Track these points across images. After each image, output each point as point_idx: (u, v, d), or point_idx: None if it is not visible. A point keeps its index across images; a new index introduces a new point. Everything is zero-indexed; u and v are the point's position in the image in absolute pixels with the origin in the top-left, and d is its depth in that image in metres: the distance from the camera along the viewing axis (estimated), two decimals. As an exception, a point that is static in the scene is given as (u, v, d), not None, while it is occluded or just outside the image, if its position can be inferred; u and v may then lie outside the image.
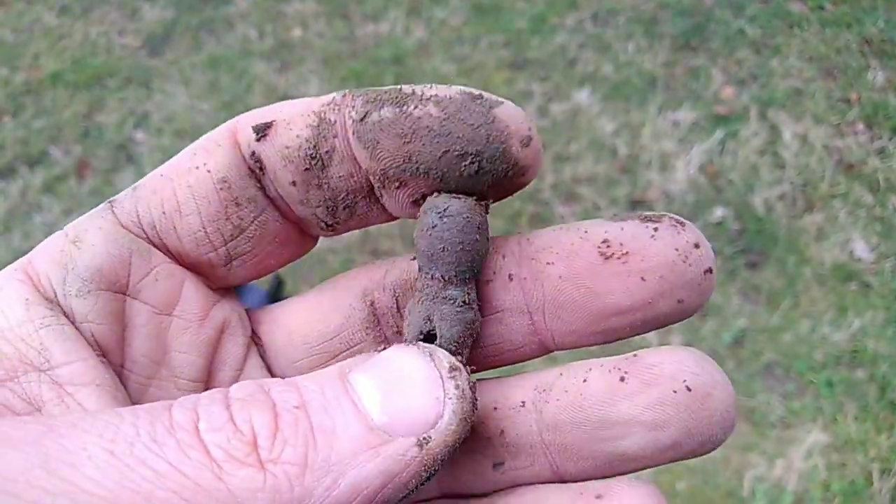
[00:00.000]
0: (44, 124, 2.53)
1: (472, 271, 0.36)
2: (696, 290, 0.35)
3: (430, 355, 0.32)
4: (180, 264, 0.39)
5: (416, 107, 0.34)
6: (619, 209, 2.28)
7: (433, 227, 0.34)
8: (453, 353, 0.35)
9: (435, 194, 0.35)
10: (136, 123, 2.54)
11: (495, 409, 0.38)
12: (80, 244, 0.36)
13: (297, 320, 0.41)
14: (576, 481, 0.37)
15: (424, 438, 0.30)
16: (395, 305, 0.40)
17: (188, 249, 0.38)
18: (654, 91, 2.51)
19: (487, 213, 0.37)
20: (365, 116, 0.35)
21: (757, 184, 2.30)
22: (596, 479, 0.36)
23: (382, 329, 0.40)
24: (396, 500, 0.31)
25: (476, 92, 0.34)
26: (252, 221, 0.37)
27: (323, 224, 0.38)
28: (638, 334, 0.37)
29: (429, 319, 0.36)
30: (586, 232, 0.36)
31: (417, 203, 0.36)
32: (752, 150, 2.37)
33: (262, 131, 0.36)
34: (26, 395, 0.33)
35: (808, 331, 2.06)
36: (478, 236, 0.35)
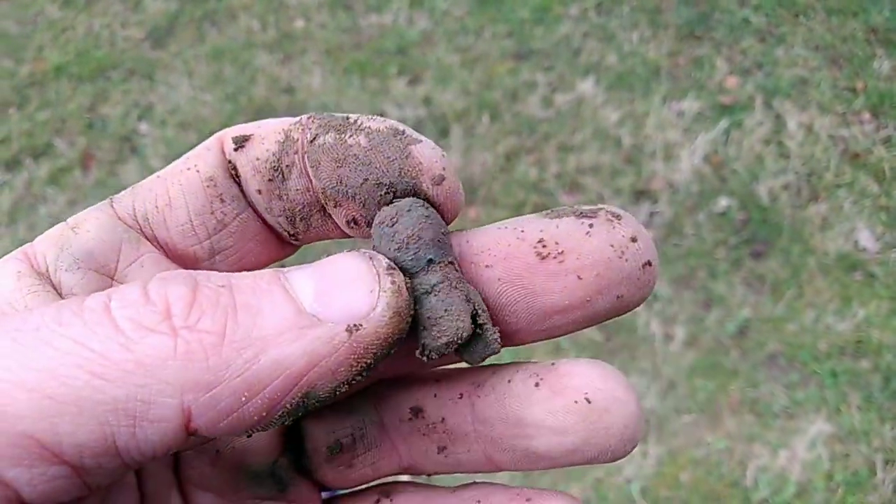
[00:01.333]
0: (48, 116, 2.53)
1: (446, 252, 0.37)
2: (635, 285, 0.36)
3: (371, 258, 0.33)
4: (168, 257, 0.41)
5: (350, 135, 0.36)
6: (623, 199, 2.28)
7: (412, 224, 0.36)
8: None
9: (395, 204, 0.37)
10: (140, 115, 2.54)
11: (435, 396, 0.40)
12: (77, 230, 0.38)
13: None
14: (506, 470, 0.39)
15: (355, 325, 0.30)
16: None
17: (176, 241, 0.39)
18: (659, 81, 2.50)
19: None
20: (315, 139, 0.37)
21: (762, 173, 2.30)
22: (520, 470, 0.39)
23: None
24: (325, 389, 0.30)
25: (401, 128, 0.36)
26: (234, 217, 0.39)
27: (286, 233, 0.40)
28: (583, 328, 0.37)
29: (468, 300, 0.36)
30: (523, 231, 0.37)
31: (350, 224, 0.38)
32: (757, 140, 2.36)
33: (240, 143, 0.38)
34: None
35: (812, 321, 2.05)
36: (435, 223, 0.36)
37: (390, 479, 0.43)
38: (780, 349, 2.02)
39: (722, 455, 1.88)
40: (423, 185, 0.36)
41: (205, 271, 0.32)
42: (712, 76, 2.50)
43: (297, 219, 0.39)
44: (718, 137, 2.37)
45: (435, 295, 0.35)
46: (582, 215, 0.36)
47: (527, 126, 2.43)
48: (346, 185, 0.36)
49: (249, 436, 0.31)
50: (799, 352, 2.01)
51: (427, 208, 0.36)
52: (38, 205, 2.36)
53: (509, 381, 0.38)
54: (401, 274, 0.33)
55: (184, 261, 0.41)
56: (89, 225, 0.38)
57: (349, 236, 0.40)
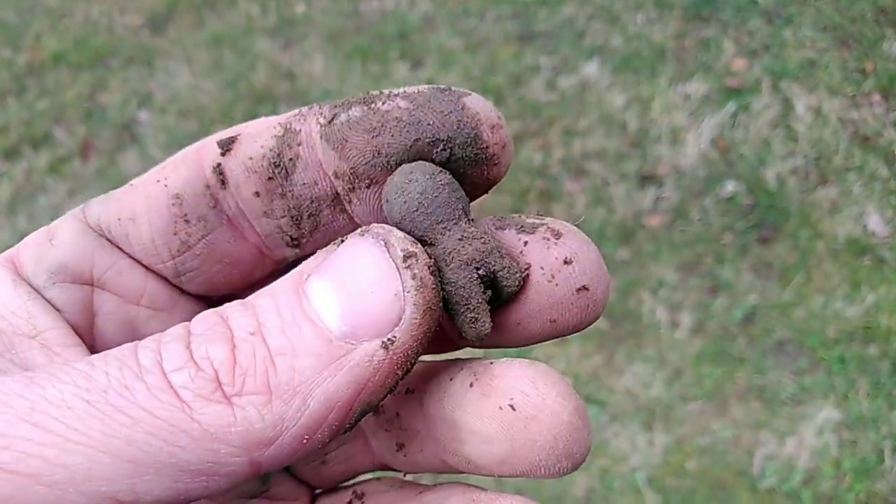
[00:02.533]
0: (47, 105, 2.52)
1: (461, 210, 0.35)
2: (568, 311, 0.34)
3: (385, 243, 0.31)
4: (140, 264, 0.40)
5: (383, 102, 0.34)
6: (628, 184, 2.25)
7: (413, 183, 0.34)
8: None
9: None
10: (139, 103, 2.52)
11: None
12: (54, 240, 0.38)
13: None
14: (460, 472, 0.37)
15: (389, 339, 0.29)
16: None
17: (139, 257, 0.38)
18: (665, 63, 2.47)
19: None
20: (333, 119, 0.35)
21: (769, 157, 2.27)
22: (465, 473, 0.36)
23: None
24: (377, 400, 0.30)
25: (444, 86, 0.35)
26: (199, 240, 0.38)
27: (287, 238, 0.38)
28: (525, 346, 0.35)
29: (477, 267, 0.33)
30: None
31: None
32: (765, 123, 2.32)
33: (226, 146, 0.36)
34: (22, 363, 0.34)
35: (820, 306, 2.03)
36: (444, 182, 0.34)
37: (367, 476, 0.42)
38: (788, 335, 2.00)
39: (729, 443, 1.87)
40: (484, 134, 0.34)
41: (232, 306, 0.31)
42: (719, 58, 2.47)
43: (305, 216, 0.37)
44: (725, 121, 2.34)
45: (449, 269, 0.33)
46: (522, 230, 0.34)
47: (531, 110, 2.41)
48: (386, 155, 0.34)
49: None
50: (807, 338, 1.99)
51: (434, 169, 0.34)
52: (37, 195, 2.35)
53: (451, 379, 0.35)
54: (420, 258, 0.31)
55: (153, 272, 0.40)
56: (63, 234, 0.38)
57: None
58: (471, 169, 0.35)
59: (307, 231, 0.38)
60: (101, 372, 0.28)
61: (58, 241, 0.37)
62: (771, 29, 2.51)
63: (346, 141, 0.34)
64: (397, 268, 0.30)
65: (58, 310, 0.37)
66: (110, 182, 2.36)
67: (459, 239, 0.33)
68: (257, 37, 2.63)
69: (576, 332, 0.34)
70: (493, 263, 0.33)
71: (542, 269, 0.33)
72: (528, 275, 0.34)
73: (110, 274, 0.38)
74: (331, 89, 2.49)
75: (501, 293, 0.34)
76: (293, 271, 0.32)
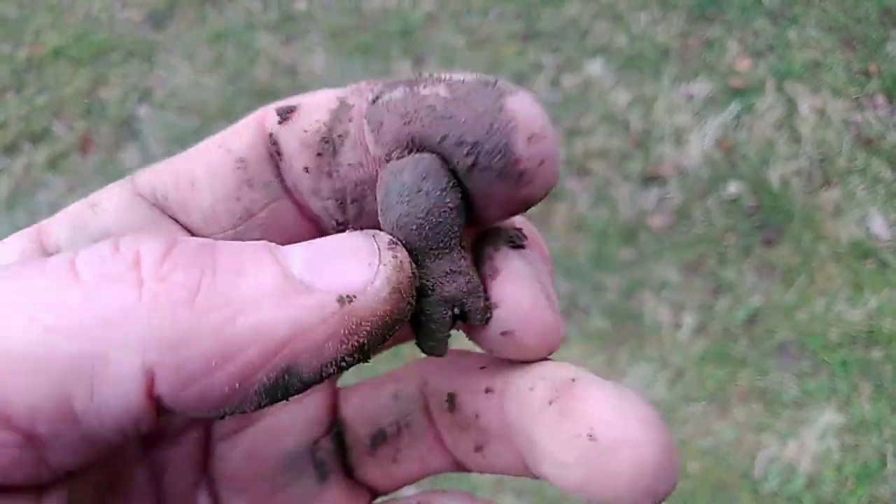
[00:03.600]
0: (47, 100, 2.50)
1: (452, 236, 0.32)
2: (495, 350, 0.33)
3: (373, 235, 0.30)
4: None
5: (426, 87, 0.30)
6: (632, 184, 2.24)
7: (405, 193, 0.31)
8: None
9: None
10: (139, 99, 2.51)
11: (471, 387, 0.35)
12: (96, 208, 0.35)
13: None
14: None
15: (348, 297, 0.27)
16: None
17: (196, 227, 0.35)
18: (668, 63, 2.46)
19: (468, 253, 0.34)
20: (378, 98, 0.32)
21: (773, 158, 2.26)
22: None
23: None
24: (309, 367, 0.27)
25: (491, 79, 0.30)
26: (263, 207, 0.35)
27: (334, 222, 0.35)
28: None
29: (454, 306, 0.32)
30: None
31: None
32: (769, 124, 2.32)
33: (284, 114, 0.34)
34: None
35: (823, 309, 2.03)
36: (440, 201, 0.31)
37: (429, 485, 0.40)
38: (791, 337, 2.00)
39: (730, 445, 1.87)
40: (518, 144, 0.29)
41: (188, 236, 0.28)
42: (723, 58, 2.46)
43: (349, 200, 0.34)
44: (729, 121, 2.33)
45: (427, 301, 0.32)
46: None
47: (533, 109, 2.39)
48: (416, 146, 0.31)
49: (222, 417, 0.27)
50: (809, 340, 1.99)
51: (446, 184, 0.30)
52: (36, 190, 2.33)
53: (531, 389, 0.32)
54: (405, 251, 0.29)
55: None
56: (108, 203, 0.35)
57: None
58: (497, 184, 0.30)
59: (351, 217, 0.35)
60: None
61: (102, 209, 0.35)
62: (776, 29, 2.50)
63: (382, 124, 0.31)
64: (379, 248, 0.29)
65: None
66: (110, 178, 2.32)
67: (447, 272, 0.31)
68: (258, 33, 2.61)
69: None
70: (468, 304, 0.32)
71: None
72: (490, 315, 0.32)
73: None
74: (332, 86, 2.47)
75: (465, 321, 0.33)
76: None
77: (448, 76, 0.30)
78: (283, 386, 0.27)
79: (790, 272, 2.09)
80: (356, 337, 0.27)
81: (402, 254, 0.29)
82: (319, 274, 0.27)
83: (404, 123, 0.30)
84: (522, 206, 0.32)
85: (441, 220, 0.30)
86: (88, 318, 0.24)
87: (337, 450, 0.39)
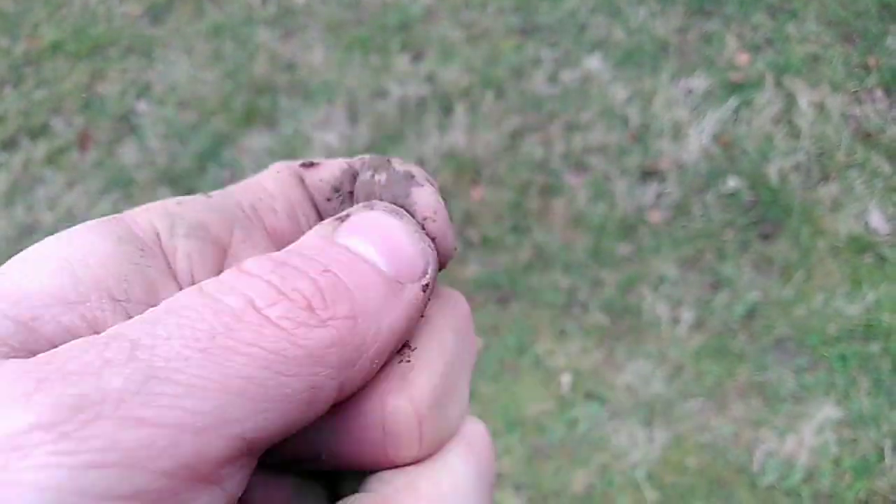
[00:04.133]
0: (45, 95, 2.50)
1: None
2: None
3: (398, 214, 0.37)
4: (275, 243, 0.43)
5: (379, 173, 0.41)
6: (630, 179, 2.24)
7: None
8: None
9: None
10: (138, 94, 2.50)
11: None
12: (183, 205, 0.39)
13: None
14: None
15: (426, 284, 0.35)
16: None
17: (284, 226, 0.42)
18: (667, 57, 2.45)
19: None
20: (359, 175, 0.42)
21: (771, 153, 2.26)
22: None
23: None
24: (409, 335, 0.36)
25: (414, 171, 0.41)
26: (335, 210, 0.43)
27: None
28: None
29: None
30: None
31: None
32: (767, 119, 2.31)
33: (308, 164, 0.43)
34: (94, 319, 0.33)
35: (821, 304, 2.03)
36: None
37: None
38: (789, 333, 2.00)
39: (728, 440, 1.87)
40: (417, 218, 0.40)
41: (285, 255, 0.34)
42: (722, 53, 2.45)
43: None
44: (728, 116, 2.33)
45: None
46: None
47: (532, 104, 2.39)
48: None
49: None
50: (808, 335, 1.99)
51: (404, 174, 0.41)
52: (35, 186, 2.33)
53: None
54: (433, 227, 0.38)
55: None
56: (194, 204, 0.39)
57: None
58: None
59: None
60: (203, 320, 0.30)
61: (188, 206, 0.39)
62: (774, 23, 2.50)
63: (359, 196, 0.41)
64: (417, 230, 0.36)
65: (183, 263, 0.37)
66: (109, 173, 2.34)
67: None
68: (257, 27, 2.61)
69: None
70: None
71: None
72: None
73: (244, 247, 0.40)
74: (331, 81, 2.47)
75: None
76: (309, 233, 0.35)
77: (395, 166, 0.41)
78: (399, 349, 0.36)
79: (788, 267, 2.09)
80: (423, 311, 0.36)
81: (435, 228, 0.38)
82: (399, 269, 0.34)
83: (366, 197, 0.41)
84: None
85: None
86: (304, 359, 0.30)
87: None
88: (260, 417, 0.29)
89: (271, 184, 0.42)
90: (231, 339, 0.29)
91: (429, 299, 0.36)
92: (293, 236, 0.40)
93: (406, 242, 0.36)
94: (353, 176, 0.43)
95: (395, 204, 0.41)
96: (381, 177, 0.42)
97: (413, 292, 0.34)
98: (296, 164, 0.43)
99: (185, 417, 0.27)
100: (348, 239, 0.35)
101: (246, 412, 0.29)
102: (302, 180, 0.43)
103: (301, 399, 0.30)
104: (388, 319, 0.33)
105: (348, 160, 0.44)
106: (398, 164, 0.43)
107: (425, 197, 0.41)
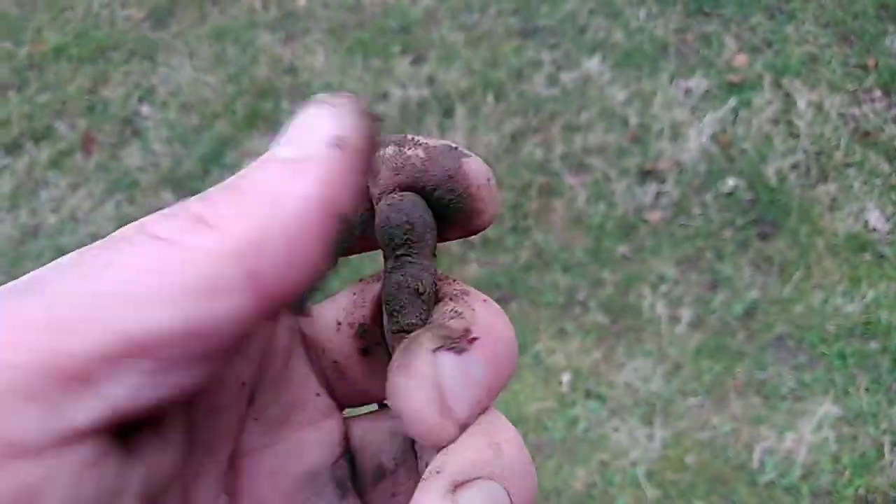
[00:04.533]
0: (48, 99, 2.52)
1: (433, 247, 0.42)
2: None
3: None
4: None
5: (409, 148, 0.41)
6: (629, 179, 2.25)
7: (405, 212, 0.40)
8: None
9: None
10: (141, 97, 2.52)
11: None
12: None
13: (330, 316, 0.44)
14: None
15: (339, 139, 0.32)
16: None
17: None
18: (666, 58, 2.47)
19: (435, 256, 0.42)
20: (375, 150, 0.40)
21: (770, 153, 2.27)
22: None
23: None
24: (346, 204, 0.33)
25: (454, 144, 0.41)
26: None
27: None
28: None
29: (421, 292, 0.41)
30: None
31: None
32: (766, 119, 2.32)
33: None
34: (281, 409, 0.38)
35: (820, 302, 2.04)
36: (429, 220, 0.41)
37: None
38: (788, 331, 2.01)
39: (728, 437, 1.88)
40: (472, 188, 0.40)
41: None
42: (721, 54, 2.47)
43: (357, 223, 0.42)
44: (726, 116, 2.34)
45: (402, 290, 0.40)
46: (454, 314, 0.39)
47: (532, 105, 2.40)
48: (402, 190, 0.41)
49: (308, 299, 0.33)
50: (807, 333, 2.00)
51: (424, 207, 0.41)
52: (39, 189, 2.35)
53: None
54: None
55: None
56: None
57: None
58: (458, 217, 0.41)
59: (356, 235, 0.43)
60: (85, 250, 0.30)
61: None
62: (773, 24, 2.51)
63: (379, 173, 0.41)
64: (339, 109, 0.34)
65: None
66: (112, 176, 2.36)
67: (424, 266, 0.40)
68: (259, 31, 2.63)
69: None
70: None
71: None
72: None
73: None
74: (332, 84, 2.49)
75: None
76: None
77: (425, 140, 0.41)
78: (341, 230, 0.32)
79: (787, 266, 2.10)
80: (357, 173, 0.33)
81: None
82: (299, 152, 0.32)
83: (394, 175, 0.41)
84: (477, 231, 0.42)
85: (426, 226, 0.40)
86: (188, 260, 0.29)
87: (352, 472, 0.43)
88: (144, 315, 0.28)
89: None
90: (108, 253, 0.29)
91: (366, 167, 0.33)
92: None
93: (325, 116, 0.33)
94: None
95: (446, 175, 0.41)
96: (417, 151, 0.41)
97: (318, 150, 0.31)
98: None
99: (51, 318, 0.27)
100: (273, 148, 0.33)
101: (136, 310, 0.28)
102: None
103: (200, 291, 0.29)
104: (305, 183, 0.30)
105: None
106: (427, 139, 0.43)
107: (476, 165, 0.41)
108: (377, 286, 0.45)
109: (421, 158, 0.40)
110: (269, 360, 0.42)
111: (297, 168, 0.31)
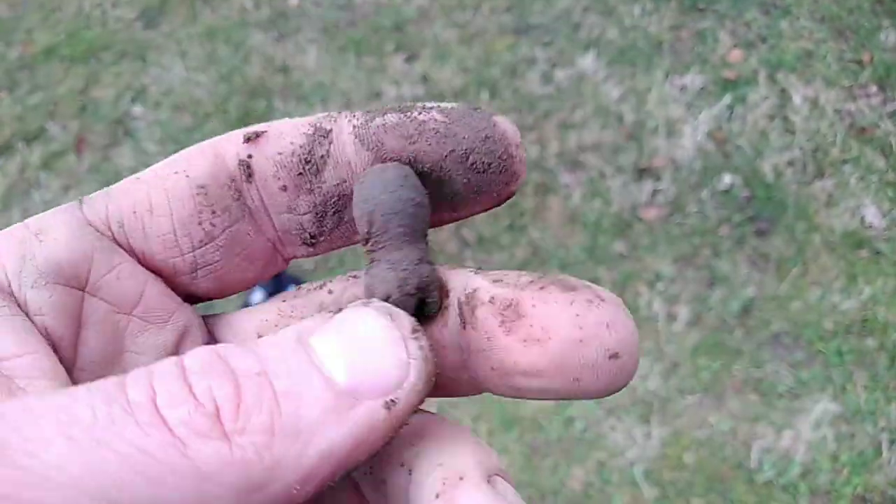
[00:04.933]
0: (40, 100, 2.50)
1: (424, 229, 0.37)
2: (595, 374, 0.32)
3: (390, 315, 0.31)
4: (144, 267, 0.38)
5: (419, 113, 0.36)
6: (625, 177, 2.25)
7: (390, 187, 0.35)
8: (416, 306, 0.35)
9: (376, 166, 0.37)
10: (133, 97, 2.50)
11: (385, 460, 0.36)
12: (42, 237, 0.35)
13: (250, 328, 0.40)
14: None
15: (392, 400, 0.29)
16: None
17: (155, 251, 0.37)
18: (661, 55, 2.46)
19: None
20: (368, 121, 0.36)
21: (766, 149, 2.26)
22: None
23: None
24: (364, 462, 0.30)
25: (474, 105, 0.37)
26: (224, 230, 0.37)
27: (307, 235, 0.38)
28: (543, 399, 0.35)
29: (385, 280, 0.35)
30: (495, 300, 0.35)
31: None
32: (761, 115, 2.32)
33: (252, 137, 0.37)
34: None
35: (817, 299, 2.03)
36: (420, 196, 0.36)
37: None
38: (785, 328, 2.00)
39: (726, 436, 1.87)
40: (511, 150, 0.37)
41: (230, 347, 0.30)
42: (715, 50, 2.46)
43: (329, 213, 0.38)
44: (722, 113, 2.33)
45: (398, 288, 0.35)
46: (566, 287, 0.34)
47: (526, 103, 2.39)
48: (422, 162, 0.36)
49: None
50: (804, 331, 1.99)
51: (416, 184, 0.36)
52: (31, 190, 2.33)
53: (427, 475, 0.35)
54: (424, 335, 0.32)
55: (161, 272, 0.38)
56: (55, 232, 0.35)
57: None
58: (495, 183, 0.37)
59: (328, 228, 0.38)
60: (85, 405, 0.27)
61: (50, 237, 0.35)
62: (768, 20, 2.50)
63: (383, 144, 0.36)
64: (403, 337, 0.31)
65: (37, 318, 0.34)
66: (105, 177, 2.34)
67: (418, 260, 0.36)
68: (251, 30, 2.61)
69: (598, 397, 0.34)
70: (428, 294, 0.36)
71: (581, 328, 0.32)
72: (448, 305, 0.36)
73: (108, 278, 0.36)
74: (325, 83, 2.48)
75: (422, 313, 0.36)
76: (290, 328, 0.31)
77: (435, 104, 0.37)
78: (349, 474, 0.30)
79: (784, 263, 2.09)
80: (397, 429, 0.30)
81: (424, 341, 0.31)
82: (363, 380, 0.29)
83: (409, 143, 0.36)
84: (507, 199, 0.38)
85: (418, 209, 0.35)
86: (189, 473, 0.26)
87: None
88: None
89: (159, 193, 0.37)
90: (109, 433, 0.26)
91: (405, 422, 0.30)
92: (168, 259, 0.37)
93: (384, 350, 0.30)
94: (324, 136, 0.37)
95: (481, 136, 0.36)
96: (432, 115, 0.36)
97: (369, 410, 0.29)
98: (225, 145, 0.37)
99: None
100: (321, 339, 0.30)
101: None
102: (235, 176, 0.37)
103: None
104: (324, 439, 0.28)
105: (309, 118, 0.38)
106: (433, 104, 0.38)
107: (508, 124, 0.37)
108: (314, 294, 0.41)
109: (442, 122, 0.36)
110: None
111: (344, 413, 0.29)
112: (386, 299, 0.35)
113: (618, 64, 2.45)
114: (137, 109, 2.48)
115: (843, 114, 2.31)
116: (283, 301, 0.40)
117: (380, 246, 0.36)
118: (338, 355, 0.29)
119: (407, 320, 0.32)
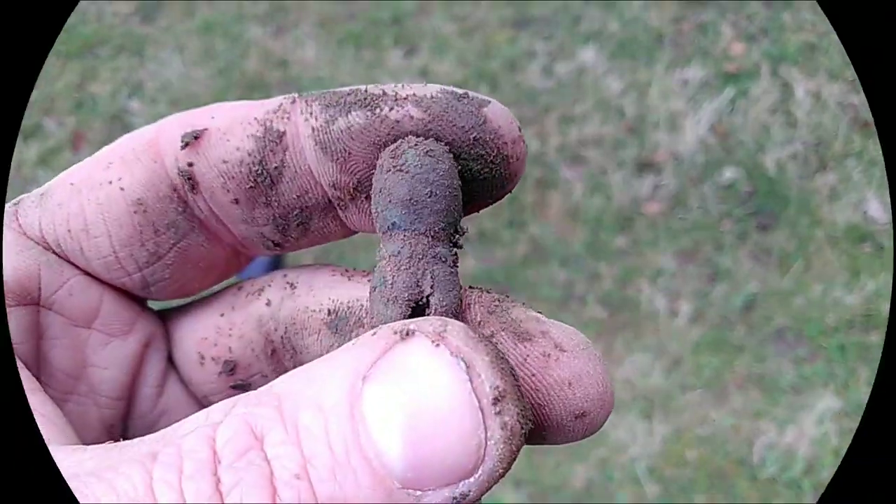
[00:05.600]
0: (36, 96, 2.47)
1: (458, 225, 0.31)
2: (561, 433, 0.30)
3: (470, 376, 0.24)
4: (96, 279, 0.35)
5: (391, 108, 0.29)
6: (626, 171, 2.23)
7: (416, 168, 0.28)
8: None
9: (400, 141, 0.29)
10: (130, 93, 2.49)
11: None
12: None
13: (192, 346, 0.38)
14: None
15: (461, 494, 0.24)
16: (288, 342, 0.36)
17: (98, 272, 0.34)
18: (662, 48, 2.44)
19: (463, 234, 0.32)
20: (328, 123, 0.30)
21: (768, 143, 2.24)
22: None
23: (280, 359, 0.37)
24: None
25: (460, 91, 0.30)
26: (171, 248, 0.34)
27: (270, 243, 0.34)
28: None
29: (417, 285, 0.29)
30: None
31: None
32: (764, 109, 2.30)
33: (190, 139, 0.32)
34: None
35: (820, 294, 2.02)
36: (459, 182, 0.30)
37: None
38: (788, 323, 1.99)
39: (728, 432, 1.86)
40: (507, 152, 0.30)
41: (267, 422, 0.25)
42: (717, 43, 2.44)
43: (293, 225, 0.33)
44: (724, 106, 2.31)
45: (396, 267, 0.29)
46: (519, 337, 0.31)
47: (527, 97, 2.38)
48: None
49: None
50: (806, 326, 1.98)
51: (452, 171, 0.29)
52: (28, 187, 2.31)
53: None
54: (511, 394, 0.25)
55: (113, 286, 0.36)
56: (10, 247, 0.33)
57: (353, 233, 0.34)
58: (489, 186, 0.32)
59: (294, 238, 0.34)
60: (125, 479, 0.24)
61: None
62: (770, 12, 2.48)
63: (350, 154, 0.30)
64: (483, 410, 0.24)
65: None
66: (101, 173, 2.33)
67: (445, 258, 0.30)
68: (249, 24, 2.59)
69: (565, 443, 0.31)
70: (443, 296, 0.30)
71: (539, 391, 0.29)
72: (463, 313, 0.31)
73: (60, 294, 0.34)
74: (324, 76, 2.46)
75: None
76: (345, 370, 0.25)
77: (410, 91, 0.29)
78: None
79: (786, 258, 2.08)
80: None
81: (511, 413, 0.25)
82: (425, 468, 0.24)
83: (375, 150, 0.29)
84: (503, 196, 0.33)
85: (451, 196, 0.29)
86: None
87: None
88: None
89: (93, 209, 0.33)
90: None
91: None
92: (114, 280, 0.34)
93: (452, 422, 0.24)
94: (277, 141, 0.31)
95: (467, 136, 0.28)
96: (404, 110, 0.28)
97: None
98: (164, 142, 0.32)
99: None
100: (375, 395, 0.24)
101: None
102: (178, 185, 0.32)
103: None
104: None
105: (254, 111, 0.32)
106: (409, 89, 0.30)
107: (501, 112, 0.30)
108: (252, 306, 0.36)
109: (420, 120, 0.29)
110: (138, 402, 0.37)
111: None
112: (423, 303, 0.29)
113: (619, 57, 2.43)
114: (134, 105, 2.46)
115: (845, 107, 2.29)
116: (221, 315, 0.37)
117: (408, 247, 0.30)
118: (395, 430, 0.24)
119: (490, 381, 0.24)
